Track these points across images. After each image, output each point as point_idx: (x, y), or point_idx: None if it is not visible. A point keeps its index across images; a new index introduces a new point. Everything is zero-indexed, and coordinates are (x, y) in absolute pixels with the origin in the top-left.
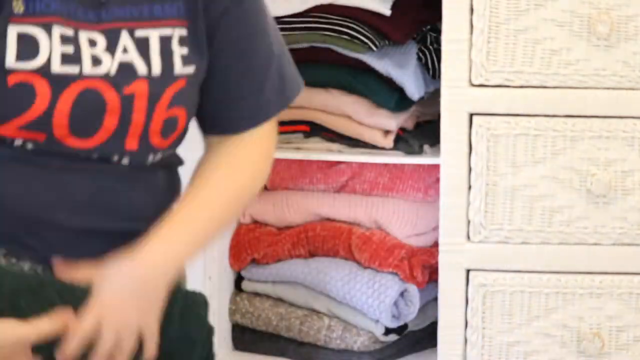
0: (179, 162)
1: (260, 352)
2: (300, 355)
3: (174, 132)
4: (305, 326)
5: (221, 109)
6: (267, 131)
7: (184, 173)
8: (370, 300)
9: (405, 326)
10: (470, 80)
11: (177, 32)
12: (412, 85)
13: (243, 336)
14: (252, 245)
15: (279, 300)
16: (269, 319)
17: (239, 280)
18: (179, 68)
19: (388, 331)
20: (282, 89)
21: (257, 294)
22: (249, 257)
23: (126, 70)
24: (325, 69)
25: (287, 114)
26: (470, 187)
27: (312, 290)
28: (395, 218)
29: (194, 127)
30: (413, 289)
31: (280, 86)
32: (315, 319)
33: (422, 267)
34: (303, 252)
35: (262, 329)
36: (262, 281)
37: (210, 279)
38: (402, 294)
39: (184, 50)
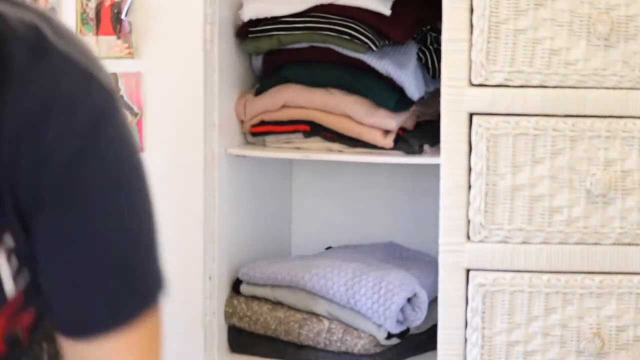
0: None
1: (258, 354)
2: (299, 357)
3: (24, 338)
4: (304, 329)
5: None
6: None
7: (184, 174)
8: (376, 306)
9: (407, 329)
10: (470, 80)
11: (4, 246)
12: (412, 85)
13: (240, 338)
14: None
15: (278, 304)
16: (267, 323)
17: (236, 284)
18: (10, 288)
19: (390, 335)
20: (116, 299)
21: (255, 298)
22: None
23: None
24: (325, 69)
25: (287, 114)
26: (470, 187)
27: (311, 294)
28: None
29: (195, 122)
30: (422, 294)
31: (114, 294)
32: (314, 322)
33: None
34: None
35: (260, 332)
36: (261, 285)
37: (210, 279)
38: (409, 300)
39: (14, 263)
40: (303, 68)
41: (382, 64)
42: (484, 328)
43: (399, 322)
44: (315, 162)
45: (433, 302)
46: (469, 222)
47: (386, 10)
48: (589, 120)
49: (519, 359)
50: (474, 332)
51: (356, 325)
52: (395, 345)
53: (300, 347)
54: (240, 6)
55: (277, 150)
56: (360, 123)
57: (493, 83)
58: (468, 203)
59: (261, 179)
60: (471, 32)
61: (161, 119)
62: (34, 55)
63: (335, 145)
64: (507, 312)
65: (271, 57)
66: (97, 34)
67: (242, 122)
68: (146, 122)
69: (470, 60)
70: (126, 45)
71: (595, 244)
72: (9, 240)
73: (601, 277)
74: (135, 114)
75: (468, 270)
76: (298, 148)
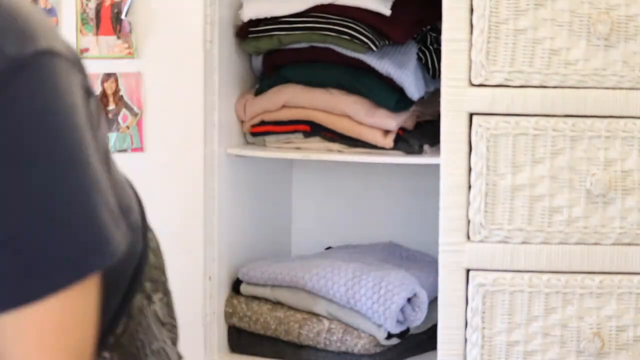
0: None
1: (258, 354)
2: (299, 357)
3: None
4: (304, 329)
5: None
6: None
7: (184, 172)
8: (376, 306)
9: (407, 329)
10: (470, 80)
11: None
12: (412, 85)
13: (240, 338)
14: None
15: (278, 304)
16: (267, 323)
17: (236, 284)
18: None
19: (390, 335)
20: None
21: (255, 298)
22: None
23: None
24: (325, 69)
25: (287, 114)
26: (470, 187)
27: (311, 294)
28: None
29: (195, 122)
30: (422, 295)
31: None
32: (314, 322)
33: None
34: None
35: (260, 332)
36: (261, 285)
37: (210, 279)
38: (409, 300)
39: None
40: (303, 68)
41: (382, 64)
42: (484, 328)
43: (399, 322)
44: (315, 162)
45: (433, 302)
46: (469, 222)
47: (386, 10)
48: (589, 120)
49: (519, 359)
50: (474, 332)
51: (356, 325)
52: (395, 345)
53: (300, 347)
54: (240, 6)
55: (277, 150)
56: (360, 123)
57: (493, 83)
58: (468, 203)
59: (261, 179)
60: (471, 32)
61: (161, 119)
62: None
63: (335, 146)
64: (507, 312)
65: (271, 57)
66: (97, 34)
67: (242, 122)
68: (146, 122)
69: (470, 60)
70: (126, 45)
71: (595, 244)
72: None
73: (601, 277)
74: (135, 114)
75: (468, 270)
76: (298, 148)
